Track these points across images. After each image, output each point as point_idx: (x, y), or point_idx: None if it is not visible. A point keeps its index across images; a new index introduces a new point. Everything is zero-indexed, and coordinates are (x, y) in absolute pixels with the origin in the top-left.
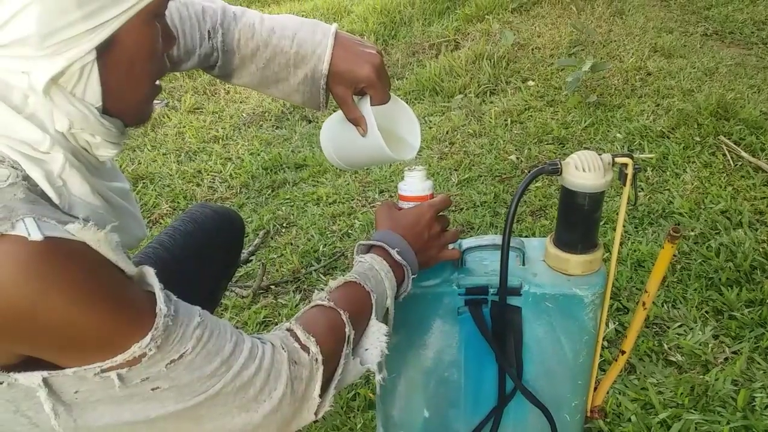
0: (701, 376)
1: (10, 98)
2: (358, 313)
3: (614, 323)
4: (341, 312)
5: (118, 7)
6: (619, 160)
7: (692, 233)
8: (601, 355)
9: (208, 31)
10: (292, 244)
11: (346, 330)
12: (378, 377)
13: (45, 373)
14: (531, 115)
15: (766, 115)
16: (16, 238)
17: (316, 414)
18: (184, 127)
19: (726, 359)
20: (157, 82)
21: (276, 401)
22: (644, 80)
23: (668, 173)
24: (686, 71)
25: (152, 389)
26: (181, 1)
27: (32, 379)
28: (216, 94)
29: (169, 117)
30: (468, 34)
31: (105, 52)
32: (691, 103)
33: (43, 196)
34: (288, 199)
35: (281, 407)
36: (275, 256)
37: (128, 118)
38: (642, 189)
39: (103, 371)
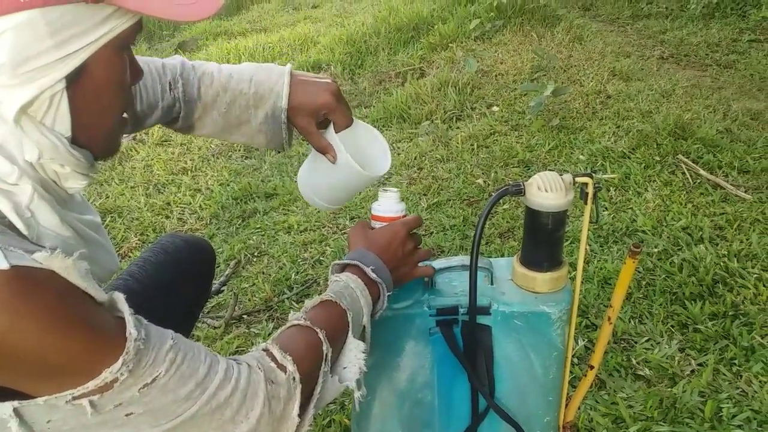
0: (669, 389)
1: None
2: (335, 331)
3: (583, 340)
4: (318, 330)
5: (89, 37)
6: (580, 179)
7: (655, 250)
8: (571, 372)
9: (169, 83)
10: (263, 273)
11: (324, 348)
12: (357, 394)
13: (15, 403)
14: (496, 140)
15: (722, 133)
16: None
17: None
18: (152, 159)
19: (692, 371)
20: (125, 115)
21: (254, 422)
22: (604, 103)
23: (630, 192)
24: (644, 93)
25: (126, 415)
26: (142, 60)
27: (3, 409)
28: None
29: (136, 150)
30: (433, 62)
31: (74, 81)
32: (650, 124)
33: (11, 227)
34: (259, 228)
35: (259, 427)
36: (247, 285)
37: (97, 149)
38: (606, 208)
39: (74, 398)
